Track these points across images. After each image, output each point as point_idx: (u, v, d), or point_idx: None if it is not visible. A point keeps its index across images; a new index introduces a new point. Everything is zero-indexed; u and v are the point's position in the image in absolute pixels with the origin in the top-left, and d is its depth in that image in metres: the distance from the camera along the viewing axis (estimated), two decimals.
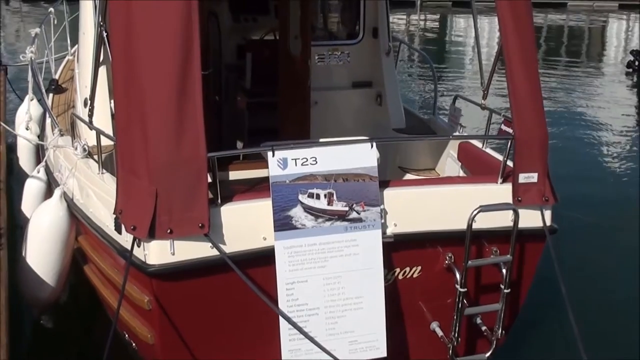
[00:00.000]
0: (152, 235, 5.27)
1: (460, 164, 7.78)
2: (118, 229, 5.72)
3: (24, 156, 9.96)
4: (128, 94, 5.36)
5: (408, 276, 6.17)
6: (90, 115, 6.70)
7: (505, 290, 6.10)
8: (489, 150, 7.39)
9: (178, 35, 5.22)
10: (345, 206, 5.60)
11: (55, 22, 11.59)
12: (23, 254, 7.17)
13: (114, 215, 5.67)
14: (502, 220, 6.03)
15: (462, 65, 26.01)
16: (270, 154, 5.48)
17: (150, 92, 5.22)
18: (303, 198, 5.51)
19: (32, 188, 8.08)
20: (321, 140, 6.01)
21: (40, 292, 7.26)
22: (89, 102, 6.72)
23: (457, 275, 6.01)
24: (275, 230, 5.48)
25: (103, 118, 6.98)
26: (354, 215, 5.63)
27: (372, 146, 5.69)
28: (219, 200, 5.51)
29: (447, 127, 8.57)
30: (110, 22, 5.60)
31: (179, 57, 5.21)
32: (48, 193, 7.74)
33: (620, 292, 9.31)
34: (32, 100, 10.47)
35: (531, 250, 6.33)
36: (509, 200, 6.08)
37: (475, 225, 5.85)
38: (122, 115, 5.45)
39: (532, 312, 7.35)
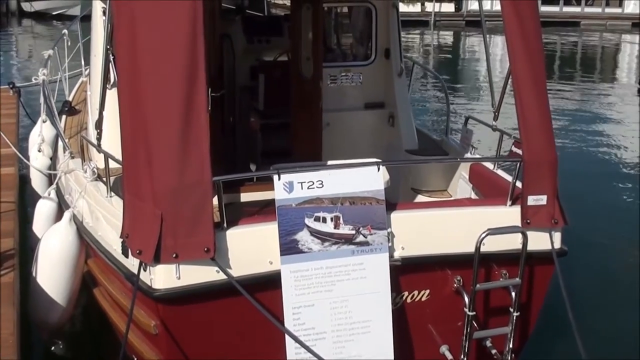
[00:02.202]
0: (157, 259, 5.26)
1: (471, 185, 7.73)
2: (125, 253, 5.72)
3: (37, 177, 9.99)
4: (133, 117, 5.38)
5: (416, 300, 6.12)
6: (99, 138, 6.72)
7: (515, 314, 6.05)
8: (500, 172, 7.34)
9: (183, 59, 5.24)
10: (352, 229, 5.58)
11: (69, 43, 11.65)
12: (33, 277, 7.18)
13: (121, 239, 5.66)
14: (511, 242, 5.98)
15: (476, 85, 25.96)
16: (276, 177, 5.47)
17: (154, 116, 5.24)
18: (309, 222, 5.49)
19: (43, 210, 8.10)
20: (330, 162, 5.99)
21: (50, 315, 7.25)
22: (97, 124, 6.75)
23: (466, 299, 5.96)
24: (281, 254, 5.46)
25: (114, 141, 6.99)
26: (360, 238, 5.60)
27: (378, 169, 5.67)
28: (225, 224, 5.49)
29: (458, 148, 8.52)
30: (115, 45, 5.62)
31: (184, 81, 5.22)
32: (59, 215, 7.76)
33: (632, 314, 9.23)
34: (44, 122, 10.51)
35: (541, 273, 6.27)
36: (518, 222, 6.03)
37: (484, 248, 5.81)
38: (128, 139, 5.45)
39: (543, 335, 7.27)
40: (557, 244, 6.20)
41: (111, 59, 6.36)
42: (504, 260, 6.09)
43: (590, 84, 27.97)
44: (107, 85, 6.70)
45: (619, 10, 49.84)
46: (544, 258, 6.15)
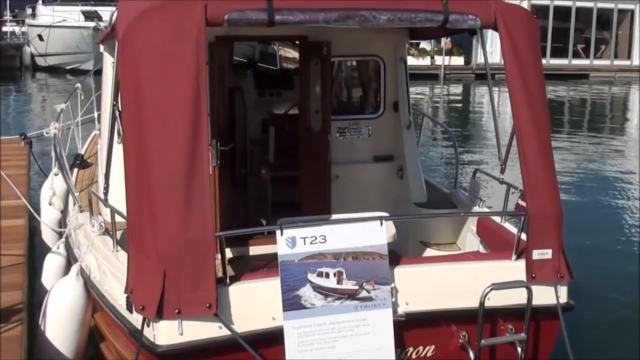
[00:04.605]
0: (160, 315, 5.27)
1: (479, 238, 7.72)
2: (129, 308, 5.73)
3: (47, 229, 10.03)
4: (138, 174, 5.44)
5: (422, 355, 6.07)
6: (106, 193, 6.76)
7: None
8: (507, 225, 7.33)
9: (186, 117, 5.32)
10: (355, 285, 5.57)
11: (82, 97, 11.77)
12: (40, 331, 7.17)
13: (126, 294, 5.67)
14: (517, 297, 5.94)
15: (485, 138, 25.91)
16: (278, 232, 5.48)
17: (158, 173, 5.29)
18: (312, 277, 5.48)
19: (51, 264, 8.13)
20: (335, 216, 5.99)
21: None
22: (105, 178, 6.80)
23: (471, 355, 5.91)
24: (284, 310, 5.45)
25: (122, 195, 7.03)
26: (364, 294, 5.58)
27: (381, 224, 5.67)
28: (227, 280, 5.50)
29: (467, 201, 8.51)
30: (121, 101, 5.68)
31: (187, 139, 5.29)
32: (67, 269, 7.77)
33: None
34: (56, 175, 10.59)
35: (547, 328, 6.22)
36: (524, 276, 6.00)
37: (489, 303, 5.77)
38: (133, 195, 5.50)
39: None
40: (564, 299, 6.16)
41: (117, 115, 6.42)
42: (509, 315, 6.05)
43: (598, 136, 27.90)
44: (117, 140, 6.76)
45: (627, 62, 50.21)
46: (551, 313, 6.11)
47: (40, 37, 45.60)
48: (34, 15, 48.87)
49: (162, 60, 5.42)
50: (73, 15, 44.48)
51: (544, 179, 6.05)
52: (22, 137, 12.85)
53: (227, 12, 5.52)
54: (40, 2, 48.80)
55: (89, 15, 44.24)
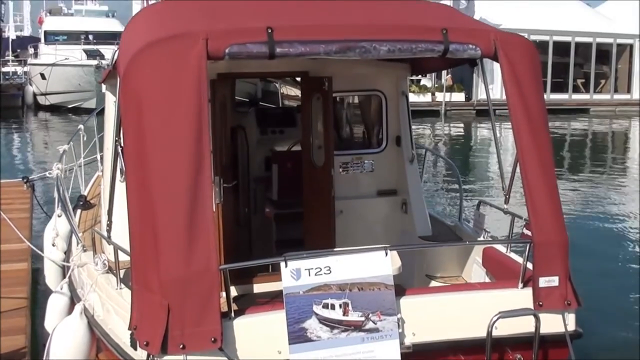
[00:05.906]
0: (164, 350, 5.22)
1: (485, 269, 7.67)
2: (133, 345, 5.67)
3: (50, 273, 9.99)
4: (141, 209, 5.41)
5: None
6: (109, 230, 6.73)
7: None
8: (512, 255, 7.29)
9: (189, 152, 5.32)
10: (361, 316, 5.53)
11: (85, 138, 11.79)
12: None
13: (130, 331, 5.62)
14: (524, 325, 5.90)
15: (488, 173, 25.95)
16: (283, 264, 5.45)
17: (161, 207, 5.28)
18: (318, 309, 5.45)
19: (55, 304, 8.07)
20: (338, 249, 5.96)
21: None
22: (107, 216, 6.78)
23: None
24: (290, 343, 5.41)
25: (125, 233, 7.01)
26: (370, 325, 5.54)
27: (386, 254, 5.63)
28: (232, 314, 5.45)
29: (472, 233, 8.49)
30: (123, 137, 5.68)
31: (190, 173, 5.28)
32: (71, 309, 7.72)
33: None
34: (59, 216, 10.56)
35: (556, 357, 6.16)
36: (531, 305, 5.96)
37: (496, 332, 5.73)
38: (136, 230, 5.47)
39: None
40: (572, 326, 6.11)
41: (120, 151, 6.42)
42: (517, 343, 6.00)
43: (601, 166, 27.95)
44: (120, 178, 6.75)
45: (627, 96, 50.40)
46: (559, 341, 6.05)
47: (43, 76, 45.86)
48: (36, 55, 49.25)
49: (164, 94, 5.42)
50: (75, 53, 44.73)
51: (548, 206, 6.03)
52: (25, 180, 12.81)
53: (228, 46, 5.53)
54: (42, 41, 49.19)
55: (91, 54, 44.48)
